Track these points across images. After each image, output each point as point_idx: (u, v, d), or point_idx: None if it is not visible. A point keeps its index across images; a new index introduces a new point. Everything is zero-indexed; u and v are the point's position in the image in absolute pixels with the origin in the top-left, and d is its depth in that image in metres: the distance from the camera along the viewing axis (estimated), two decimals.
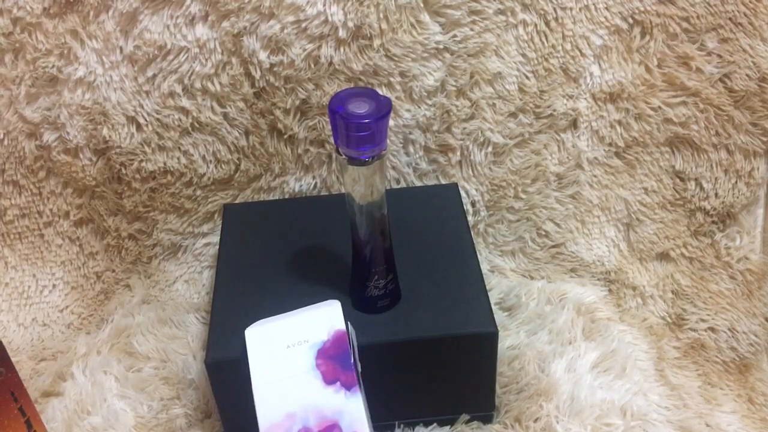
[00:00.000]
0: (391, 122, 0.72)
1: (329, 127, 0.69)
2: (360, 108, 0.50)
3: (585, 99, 0.73)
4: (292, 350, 0.52)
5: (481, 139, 0.74)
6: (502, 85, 0.72)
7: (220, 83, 0.70)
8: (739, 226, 0.76)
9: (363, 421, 0.50)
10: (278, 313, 0.61)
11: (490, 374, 0.62)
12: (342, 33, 0.68)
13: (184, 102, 0.70)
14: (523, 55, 0.71)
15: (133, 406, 0.65)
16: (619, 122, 0.74)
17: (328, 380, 0.51)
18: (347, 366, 0.52)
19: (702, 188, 0.75)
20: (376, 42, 0.68)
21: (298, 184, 0.75)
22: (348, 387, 0.51)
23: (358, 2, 0.67)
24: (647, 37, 0.71)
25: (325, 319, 0.54)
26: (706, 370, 0.72)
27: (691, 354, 0.73)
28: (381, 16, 0.68)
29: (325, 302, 0.55)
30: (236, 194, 0.76)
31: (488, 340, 0.60)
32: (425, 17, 0.69)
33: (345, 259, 0.61)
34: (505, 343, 0.69)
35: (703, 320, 0.74)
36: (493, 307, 0.64)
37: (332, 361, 0.52)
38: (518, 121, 0.74)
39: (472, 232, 0.70)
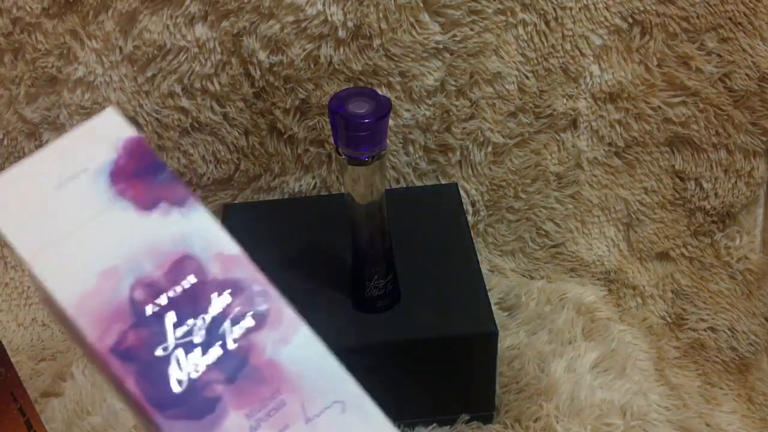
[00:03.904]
0: (390, 122, 0.72)
1: (329, 127, 0.68)
2: (360, 108, 0.50)
3: (585, 99, 0.73)
4: (67, 189, 0.38)
5: (481, 139, 0.74)
6: (501, 84, 0.72)
7: (219, 83, 0.70)
8: (739, 226, 0.76)
9: (221, 237, 0.39)
10: None
11: (490, 374, 0.62)
12: (342, 33, 0.68)
13: (184, 102, 0.70)
14: (523, 55, 0.71)
15: None
16: (619, 122, 0.74)
17: (145, 204, 0.37)
18: (166, 178, 0.38)
19: (702, 188, 0.75)
20: (376, 42, 0.68)
21: (298, 184, 0.75)
22: (179, 202, 0.38)
23: (357, 2, 0.67)
24: (647, 37, 0.71)
25: (102, 132, 0.39)
26: (706, 370, 0.72)
27: (691, 354, 0.73)
28: (381, 15, 0.68)
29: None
30: (236, 194, 0.76)
31: (488, 340, 0.60)
32: (425, 17, 0.69)
33: (345, 259, 0.61)
34: (505, 343, 0.69)
35: (703, 320, 0.74)
36: (493, 307, 0.64)
37: (139, 179, 0.38)
38: (518, 120, 0.74)
39: (472, 232, 0.69)
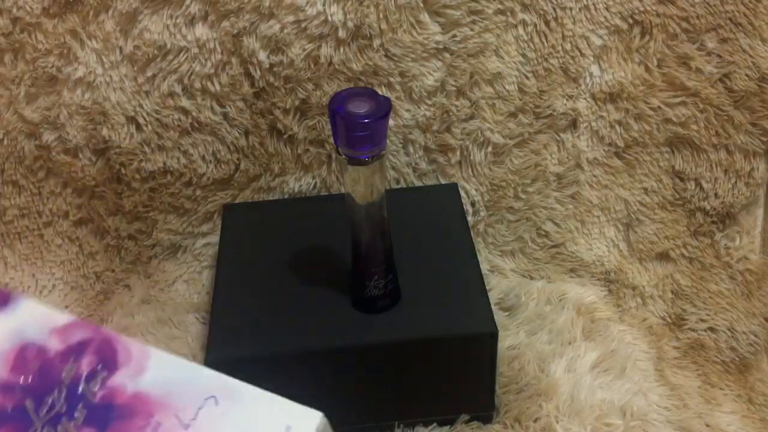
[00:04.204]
0: (390, 122, 0.72)
1: (329, 127, 0.68)
2: (360, 108, 0.50)
3: (585, 99, 0.73)
4: None
5: (481, 139, 0.74)
6: (501, 85, 0.72)
7: (219, 83, 0.70)
8: (739, 226, 0.76)
9: (49, 314, 0.42)
10: (279, 314, 0.61)
11: (490, 374, 0.62)
12: (342, 33, 0.68)
13: (184, 102, 0.70)
14: (523, 55, 0.71)
15: None
16: (619, 122, 0.74)
17: None
18: None
19: (702, 188, 0.75)
20: (376, 42, 0.68)
21: (298, 184, 0.75)
22: (0, 304, 0.42)
23: (357, 2, 0.67)
24: (647, 37, 0.71)
25: None
26: (706, 370, 0.72)
27: (691, 354, 0.73)
28: (381, 16, 0.68)
29: None
30: (236, 194, 0.76)
31: (488, 340, 0.60)
32: (425, 17, 0.69)
33: (345, 259, 0.61)
34: (505, 343, 0.69)
35: (702, 320, 0.74)
36: (493, 307, 0.64)
37: None
38: (518, 121, 0.74)
39: (472, 232, 0.69)
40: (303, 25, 0.67)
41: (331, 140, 0.68)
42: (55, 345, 0.40)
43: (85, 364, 0.40)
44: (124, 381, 0.40)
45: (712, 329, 0.74)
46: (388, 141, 0.69)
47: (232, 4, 0.67)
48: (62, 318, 0.41)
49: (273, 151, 0.74)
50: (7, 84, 0.69)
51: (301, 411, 0.40)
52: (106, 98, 0.70)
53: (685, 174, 0.75)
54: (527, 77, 0.72)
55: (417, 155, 0.75)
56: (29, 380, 0.39)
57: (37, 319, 0.41)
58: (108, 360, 0.40)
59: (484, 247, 0.78)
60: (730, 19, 0.69)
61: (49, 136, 0.71)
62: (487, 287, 0.64)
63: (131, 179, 0.73)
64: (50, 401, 0.39)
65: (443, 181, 0.76)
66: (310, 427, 0.40)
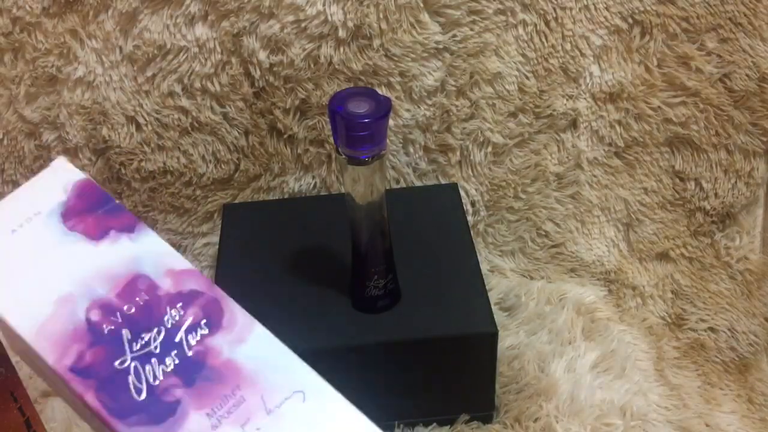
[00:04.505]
0: (390, 122, 0.72)
1: (329, 127, 0.68)
2: (360, 108, 0.50)
3: (585, 99, 0.73)
4: (22, 232, 0.40)
5: (481, 139, 0.74)
6: (501, 85, 0.72)
7: (219, 83, 0.70)
8: (739, 226, 0.76)
9: (170, 255, 0.41)
10: (279, 314, 0.61)
11: (489, 374, 0.62)
12: (342, 33, 0.68)
13: (184, 102, 0.70)
14: (523, 55, 0.71)
15: None
16: (619, 122, 0.74)
17: (95, 235, 0.40)
18: (114, 209, 0.41)
19: (702, 188, 0.75)
20: (376, 42, 0.68)
21: (298, 184, 0.75)
22: (127, 229, 0.40)
23: (357, 2, 0.67)
24: (647, 37, 0.71)
25: (53, 180, 0.42)
26: (706, 370, 0.72)
27: (691, 354, 0.73)
28: (381, 15, 0.68)
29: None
30: (236, 194, 0.76)
31: (488, 340, 0.60)
32: (425, 17, 0.69)
33: (345, 259, 0.61)
34: (504, 343, 0.69)
35: (702, 320, 0.74)
36: (493, 307, 0.64)
37: (88, 214, 0.41)
38: (518, 121, 0.74)
39: (471, 232, 0.69)
40: (303, 25, 0.67)
41: (331, 140, 0.68)
42: (167, 285, 0.39)
43: (190, 314, 0.39)
44: (221, 344, 0.39)
45: (712, 329, 0.74)
46: (388, 141, 0.69)
47: (232, 4, 0.67)
48: (180, 263, 0.41)
49: (273, 151, 0.74)
50: (7, 84, 0.69)
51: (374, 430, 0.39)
52: (106, 98, 0.70)
53: (685, 174, 0.75)
54: (527, 77, 0.72)
55: (417, 155, 0.75)
56: (132, 310, 0.39)
57: (156, 256, 0.40)
58: (212, 318, 0.39)
59: (484, 247, 0.78)
60: (730, 19, 0.69)
61: (49, 136, 0.71)
62: (487, 287, 0.64)
63: (131, 179, 0.73)
64: (147, 338, 0.38)
65: (443, 181, 0.76)
66: None
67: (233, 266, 0.66)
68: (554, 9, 0.70)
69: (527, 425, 0.62)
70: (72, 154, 0.72)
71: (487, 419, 0.64)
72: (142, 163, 0.72)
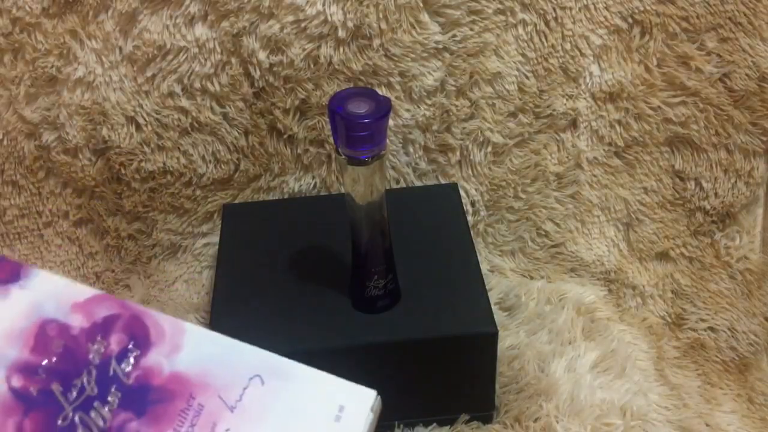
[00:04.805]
0: (390, 122, 0.72)
1: (329, 127, 0.68)
2: (359, 108, 0.50)
3: (585, 99, 0.73)
4: None
5: (481, 139, 0.74)
6: (501, 84, 0.72)
7: (219, 83, 0.70)
8: (739, 226, 0.76)
9: (70, 287, 0.37)
10: (279, 314, 0.61)
11: (490, 374, 0.62)
12: (341, 33, 0.68)
13: (184, 102, 0.70)
14: (523, 55, 0.71)
15: None
16: (619, 122, 0.74)
17: None
18: None
19: (702, 188, 0.75)
20: (376, 42, 0.68)
21: (298, 184, 0.75)
22: (13, 278, 0.37)
23: (357, 2, 0.67)
24: (647, 37, 0.71)
25: None
26: (706, 370, 0.72)
27: (691, 354, 0.73)
28: (380, 16, 0.67)
29: None
30: (236, 194, 0.76)
31: (488, 340, 0.60)
32: (425, 17, 0.69)
33: (345, 259, 0.61)
34: (505, 343, 0.69)
35: (702, 320, 0.74)
36: (493, 307, 0.64)
37: None
38: (518, 120, 0.74)
39: (472, 232, 0.69)
40: (303, 25, 0.67)
41: (331, 140, 0.68)
42: (78, 322, 0.37)
43: (114, 342, 0.36)
44: (159, 360, 0.36)
45: (712, 329, 0.74)
46: (388, 141, 0.69)
47: (231, 4, 0.67)
48: (83, 291, 0.38)
49: (273, 151, 0.74)
50: (7, 84, 0.69)
51: (354, 390, 0.38)
52: (105, 98, 0.70)
53: (685, 174, 0.75)
54: (527, 77, 0.72)
55: (417, 155, 0.75)
56: (53, 361, 0.36)
57: (55, 293, 0.37)
58: (139, 338, 0.37)
59: (484, 247, 0.78)
60: (730, 18, 0.69)
61: (48, 136, 0.71)
62: (487, 287, 0.64)
63: (131, 179, 0.73)
64: (79, 384, 0.35)
65: (443, 181, 0.76)
66: (365, 407, 0.37)
67: (233, 266, 0.66)
68: (554, 9, 0.70)
69: (527, 425, 0.62)
70: (72, 154, 0.72)
71: (487, 419, 0.64)
72: (142, 164, 0.72)
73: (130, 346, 0.36)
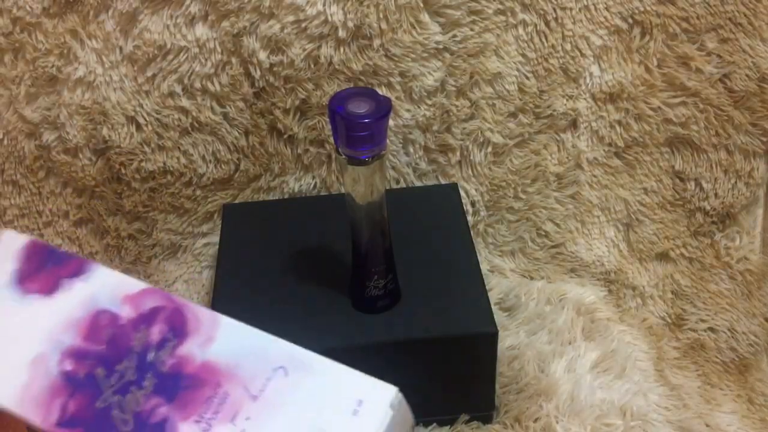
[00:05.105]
0: (390, 122, 0.72)
1: (329, 127, 0.68)
2: (360, 108, 0.50)
3: (585, 99, 0.73)
4: None
5: (481, 139, 0.74)
6: (501, 85, 0.72)
7: (219, 83, 0.70)
8: (739, 227, 0.76)
9: (123, 281, 0.42)
10: (280, 314, 0.61)
11: (490, 374, 0.62)
12: (342, 33, 0.68)
13: (184, 102, 0.70)
14: (523, 55, 0.71)
15: None
16: (619, 122, 0.74)
17: (50, 289, 0.42)
18: (60, 259, 0.43)
19: (702, 188, 0.75)
20: (376, 42, 0.68)
21: (298, 184, 0.75)
22: (77, 273, 0.42)
23: (357, 2, 0.67)
24: (647, 37, 0.71)
25: (2, 254, 0.44)
26: (706, 371, 0.72)
27: (691, 354, 0.73)
28: (381, 16, 0.68)
29: None
30: (236, 194, 0.76)
31: (488, 340, 0.60)
32: (425, 17, 0.69)
33: (345, 259, 0.61)
34: (505, 343, 0.69)
35: (702, 320, 0.74)
36: (493, 307, 0.64)
37: (40, 271, 0.43)
38: (518, 121, 0.74)
39: (471, 232, 0.70)
40: (303, 25, 0.67)
41: (331, 140, 0.68)
42: (127, 312, 0.40)
43: (156, 332, 0.40)
44: (193, 350, 0.39)
45: (712, 329, 0.74)
46: (388, 141, 0.69)
47: (232, 4, 0.67)
48: (136, 285, 0.42)
49: (273, 151, 0.74)
50: (7, 84, 0.69)
51: (374, 384, 0.39)
52: (106, 98, 0.70)
53: (685, 174, 0.75)
54: (527, 77, 0.72)
55: (417, 155, 0.75)
56: (101, 348, 0.39)
57: (110, 287, 0.41)
58: (178, 328, 0.40)
59: (484, 247, 0.78)
60: (730, 19, 0.69)
61: (49, 136, 0.71)
62: (487, 287, 0.64)
63: (131, 179, 0.73)
64: (121, 369, 0.39)
65: (443, 181, 0.76)
66: (384, 402, 0.38)
67: (233, 266, 0.66)
68: (554, 9, 0.70)
69: (527, 425, 0.62)
70: (72, 154, 0.72)
71: (487, 419, 0.64)
72: (142, 163, 0.72)
73: (169, 335, 0.39)
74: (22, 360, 0.39)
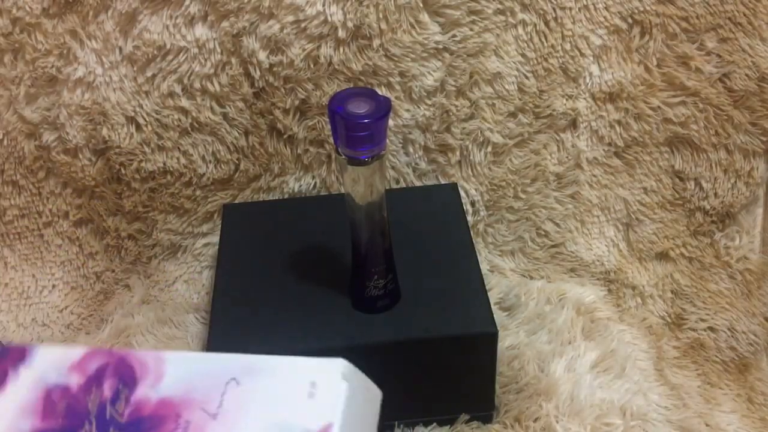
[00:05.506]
0: (390, 122, 0.72)
1: (329, 127, 0.69)
2: (359, 108, 0.50)
3: (584, 99, 0.73)
4: None
5: (481, 139, 0.74)
6: (501, 85, 0.72)
7: (219, 83, 0.70)
8: (739, 226, 0.76)
9: (65, 353, 0.42)
10: (279, 314, 0.61)
11: (490, 374, 0.62)
12: (341, 33, 0.68)
13: (184, 102, 0.70)
14: (523, 55, 0.71)
15: None
16: (619, 122, 0.74)
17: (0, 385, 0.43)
18: (2, 353, 0.43)
19: (701, 188, 0.75)
20: (376, 42, 0.68)
21: (298, 184, 0.75)
22: (20, 360, 0.42)
23: (357, 2, 0.67)
24: (647, 37, 0.71)
25: None
26: (706, 370, 0.72)
27: (691, 354, 0.73)
28: (380, 16, 0.68)
29: None
30: (236, 194, 0.76)
31: (488, 340, 0.60)
32: (425, 17, 0.69)
33: (345, 259, 0.61)
34: (504, 343, 0.69)
35: (702, 320, 0.74)
36: (493, 307, 0.64)
37: None
38: (518, 120, 0.74)
39: (471, 232, 0.70)
40: (303, 25, 0.67)
41: (331, 140, 0.68)
42: (75, 380, 0.41)
43: (106, 388, 0.41)
44: (146, 392, 0.40)
45: (711, 329, 0.74)
46: (388, 141, 0.69)
47: (231, 4, 0.67)
48: (76, 350, 0.42)
49: (273, 151, 0.74)
50: (7, 84, 0.69)
51: (322, 363, 0.39)
52: (106, 98, 0.70)
53: (685, 174, 0.75)
54: (527, 77, 0.72)
55: (417, 155, 0.75)
56: (60, 421, 0.40)
57: (55, 361, 0.42)
58: (127, 378, 0.41)
59: (484, 247, 0.78)
60: (729, 19, 0.69)
61: (49, 136, 0.71)
62: (487, 287, 0.64)
63: (131, 179, 0.73)
64: None
65: (443, 181, 0.76)
66: (335, 377, 0.39)
67: (233, 266, 0.66)
68: (554, 9, 0.70)
69: (527, 425, 0.62)
70: (72, 154, 0.72)
71: (487, 419, 0.64)
72: (142, 164, 0.72)
73: (120, 387, 0.40)
74: None
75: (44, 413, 0.40)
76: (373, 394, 0.43)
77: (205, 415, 0.38)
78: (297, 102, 0.71)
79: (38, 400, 0.41)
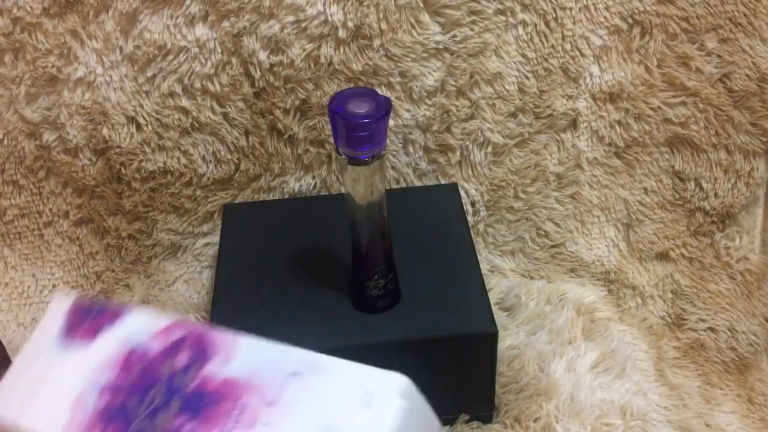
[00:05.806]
0: (390, 122, 0.72)
1: (329, 127, 0.69)
2: (360, 108, 0.50)
3: (585, 99, 0.73)
4: (37, 363, 0.47)
5: (481, 139, 0.74)
6: (501, 85, 0.72)
7: (219, 83, 0.70)
8: (739, 226, 0.76)
9: (153, 319, 0.46)
10: (280, 314, 0.61)
11: (490, 374, 0.62)
12: (342, 33, 0.68)
13: (184, 102, 0.70)
14: (523, 55, 0.71)
15: None
16: (619, 122, 0.74)
17: (91, 336, 0.47)
18: (100, 309, 0.48)
19: (701, 188, 0.75)
20: (376, 42, 0.68)
21: (298, 184, 0.75)
22: (114, 319, 0.47)
23: (357, 2, 0.67)
24: (647, 37, 0.71)
25: (54, 314, 0.49)
26: (706, 370, 0.72)
27: (691, 354, 0.73)
28: (381, 16, 0.68)
29: None
30: (236, 194, 0.76)
31: (488, 340, 0.60)
32: (425, 17, 0.69)
33: (345, 259, 0.61)
34: (505, 343, 0.69)
35: (702, 320, 0.74)
36: (493, 307, 0.64)
37: (83, 323, 0.48)
38: (518, 121, 0.74)
39: (472, 232, 0.70)
40: (303, 25, 0.67)
41: (331, 140, 0.68)
42: (156, 347, 0.45)
43: (181, 358, 0.44)
44: (214, 369, 0.42)
45: (712, 329, 0.74)
46: (388, 141, 0.69)
47: (232, 4, 0.67)
48: (163, 320, 0.46)
49: (273, 151, 0.74)
50: (7, 84, 0.69)
51: (382, 376, 0.41)
52: (106, 98, 0.70)
53: (685, 174, 0.75)
54: (527, 77, 0.72)
55: (417, 155, 0.75)
56: (134, 380, 0.43)
57: (142, 325, 0.46)
58: (200, 352, 0.44)
59: (484, 247, 0.78)
60: (730, 19, 0.69)
61: (49, 136, 0.71)
62: (487, 287, 0.64)
63: (131, 179, 0.73)
64: (151, 396, 0.42)
65: (443, 181, 0.76)
66: (391, 391, 0.41)
67: (233, 266, 0.66)
68: (554, 9, 0.70)
69: (527, 425, 0.62)
70: (72, 154, 0.72)
71: (487, 419, 0.64)
72: (143, 164, 0.72)
73: (193, 360, 0.44)
74: (65, 403, 0.44)
75: (122, 370, 0.44)
76: (432, 425, 0.45)
77: (261, 401, 0.40)
78: (297, 102, 0.71)
79: (119, 359, 0.45)
